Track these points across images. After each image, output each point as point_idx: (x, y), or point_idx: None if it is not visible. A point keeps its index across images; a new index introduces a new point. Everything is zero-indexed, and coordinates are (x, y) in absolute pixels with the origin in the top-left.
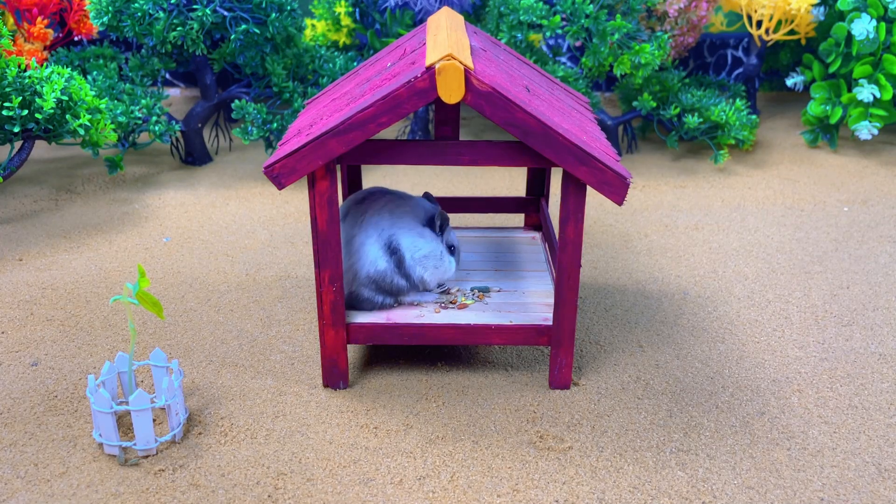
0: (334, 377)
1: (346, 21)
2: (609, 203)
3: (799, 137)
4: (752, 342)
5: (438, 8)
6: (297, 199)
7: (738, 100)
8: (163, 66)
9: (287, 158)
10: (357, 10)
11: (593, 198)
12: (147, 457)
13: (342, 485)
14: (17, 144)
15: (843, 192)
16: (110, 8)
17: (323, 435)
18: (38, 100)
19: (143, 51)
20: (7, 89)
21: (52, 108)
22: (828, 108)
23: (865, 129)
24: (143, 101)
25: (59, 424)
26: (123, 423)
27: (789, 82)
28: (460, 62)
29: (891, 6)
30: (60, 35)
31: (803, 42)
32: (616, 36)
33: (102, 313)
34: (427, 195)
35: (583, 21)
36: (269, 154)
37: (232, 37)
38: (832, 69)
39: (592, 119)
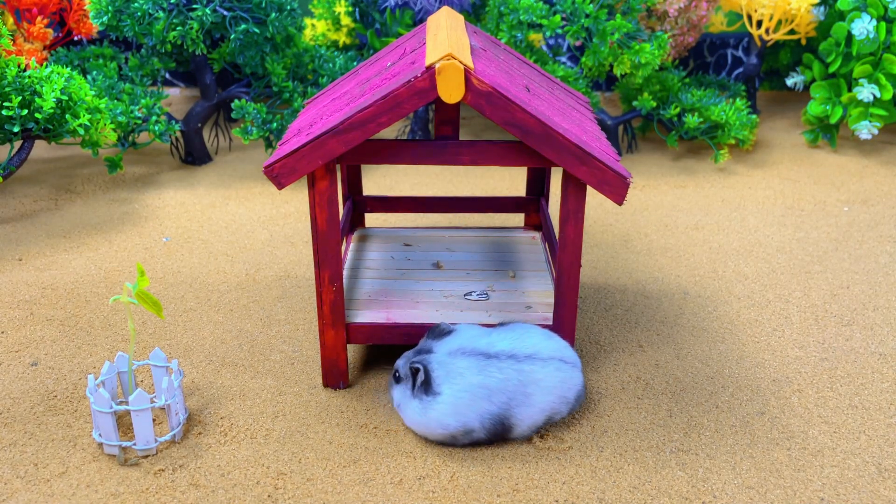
0: (334, 377)
1: (345, 21)
2: (609, 203)
3: (799, 137)
4: (752, 342)
5: (438, 8)
6: (297, 199)
7: (738, 99)
8: (163, 65)
9: (287, 158)
10: (357, 9)
11: (593, 198)
12: (147, 457)
13: (342, 485)
14: (17, 144)
15: (843, 192)
16: (110, 8)
17: (323, 435)
18: (37, 99)
19: (142, 50)
20: (7, 89)
21: (51, 107)
22: (828, 107)
23: (865, 129)
24: (143, 101)
25: (59, 424)
26: (123, 423)
27: (789, 82)
28: (460, 62)
29: (891, 6)
30: (60, 35)
31: (803, 42)
32: (616, 35)
33: (102, 313)
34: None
35: (583, 21)
36: (268, 154)
37: (232, 36)
38: (832, 69)
39: (592, 119)
